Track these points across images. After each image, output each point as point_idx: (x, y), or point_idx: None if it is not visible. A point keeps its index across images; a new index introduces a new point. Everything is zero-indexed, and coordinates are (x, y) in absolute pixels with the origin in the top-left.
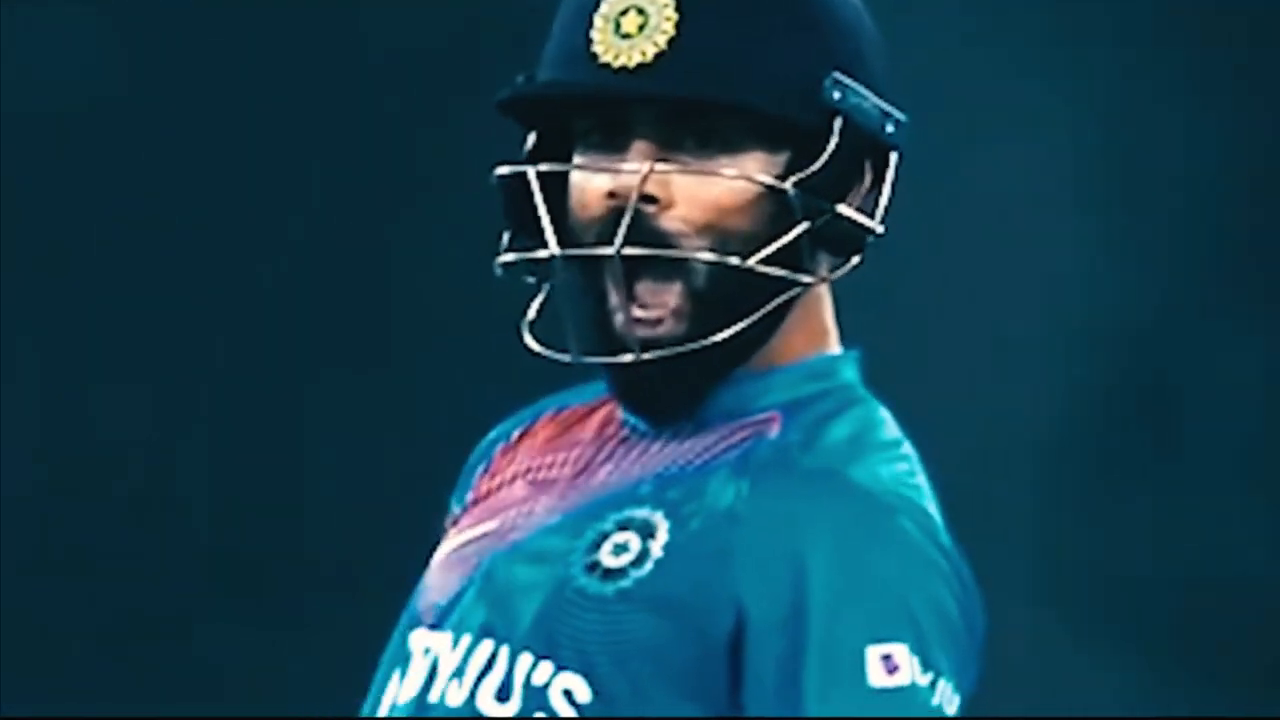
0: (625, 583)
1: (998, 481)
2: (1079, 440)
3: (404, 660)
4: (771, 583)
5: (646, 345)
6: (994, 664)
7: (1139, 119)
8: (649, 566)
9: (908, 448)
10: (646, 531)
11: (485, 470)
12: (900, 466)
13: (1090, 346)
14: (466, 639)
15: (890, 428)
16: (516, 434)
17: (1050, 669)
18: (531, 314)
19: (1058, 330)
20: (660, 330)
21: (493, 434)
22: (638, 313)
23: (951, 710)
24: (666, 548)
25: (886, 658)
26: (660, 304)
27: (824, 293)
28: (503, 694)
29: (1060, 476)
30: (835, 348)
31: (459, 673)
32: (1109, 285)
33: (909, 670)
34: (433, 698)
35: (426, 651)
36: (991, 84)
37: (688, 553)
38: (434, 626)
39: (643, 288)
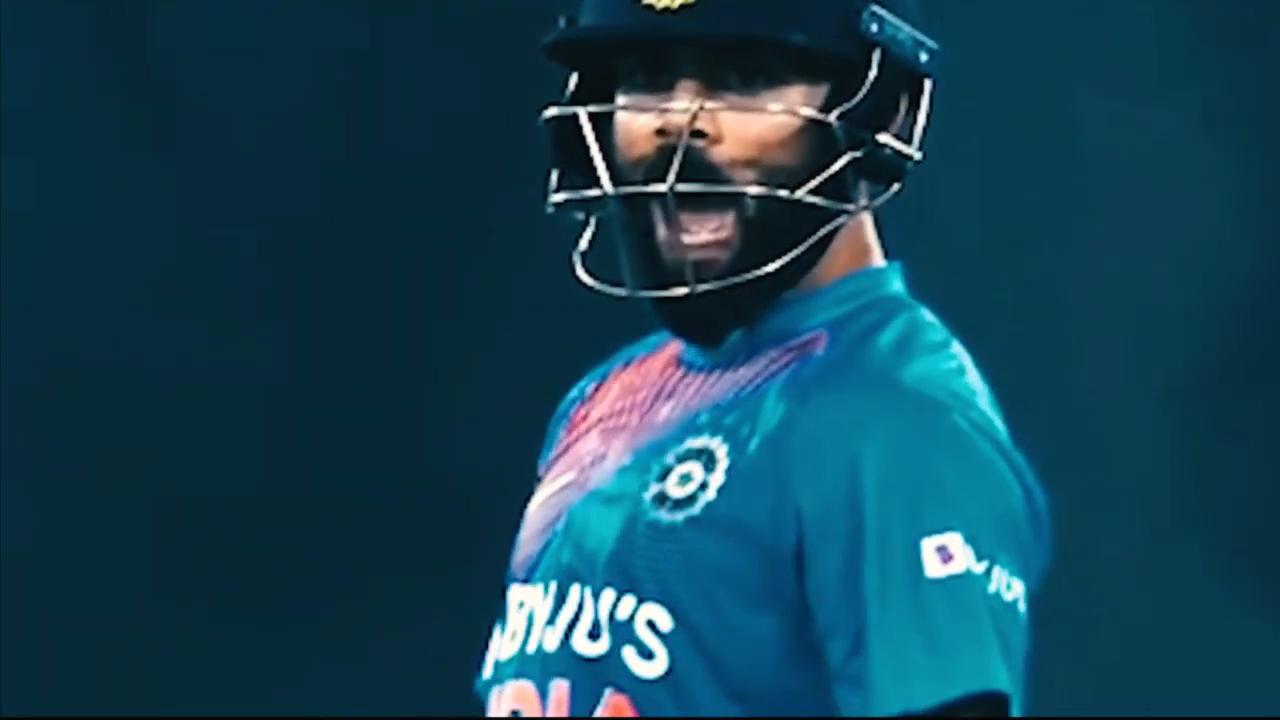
0: (694, 510)
1: (1130, 427)
2: (1205, 391)
3: (503, 617)
4: (827, 489)
5: (700, 276)
6: (1142, 615)
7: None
8: (713, 492)
9: (957, 348)
10: (708, 459)
11: (565, 427)
12: (949, 365)
13: (1220, 304)
14: (554, 586)
15: (937, 330)
16: (591, 388)
17: (1197, 618)
18: (583, 248)
19: (1189, 288)
20: (711, 257)
21: (572, 392)
22: (688, 239)
23: (1011, 596)
24: (728, 471)
25: (941, 548)
26: (711, 234)
27: (865, 215)
28: (594, 633)
29: (1187, 425)
30: (878, 264)
31: (552, 620)
32: (1238, 248)
33: (964, 558)
34: (530, 648)
35: (521, 605)
36: (1125, 47)
37: (748, 473)
38: (526, 580)
39: (693, 221)
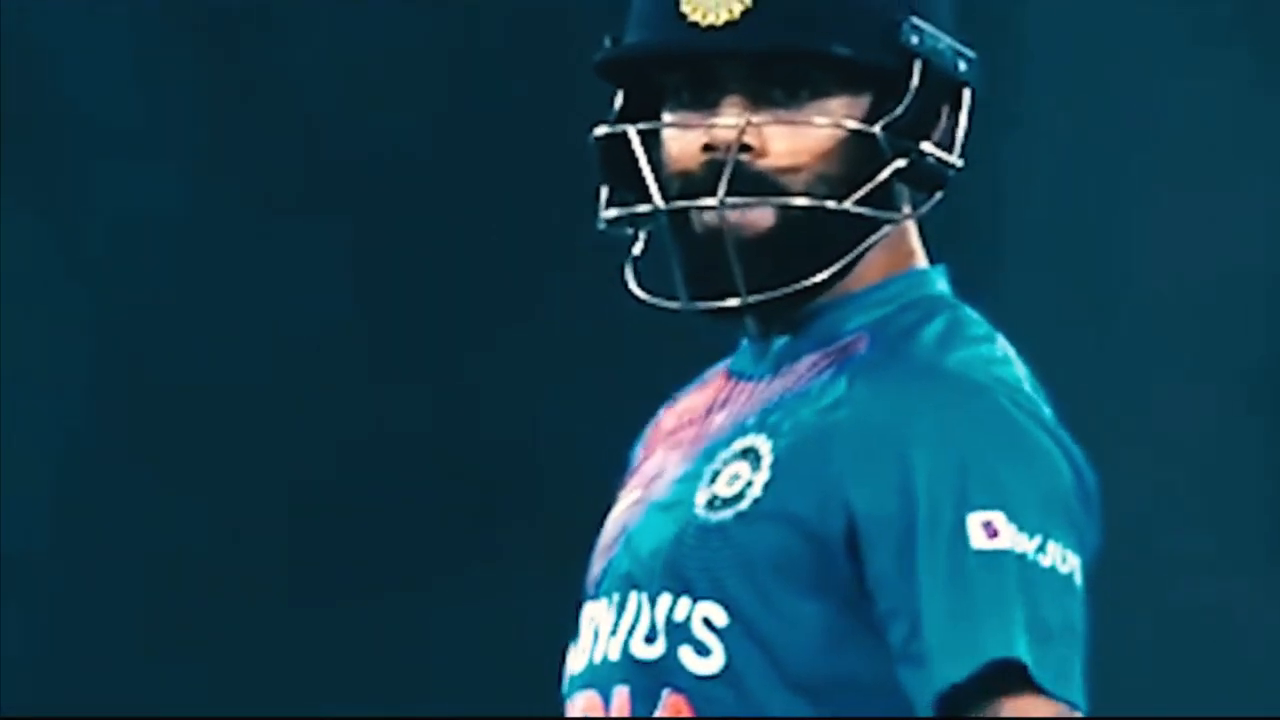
0: (742, 506)
1: (1217, 428)
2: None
3: (576, 635)
4: (877, 479)
5: (746, 269)
6: (1237, 619)
7: None
8: (760, 487)
9: (1001, 341)
10: (754, 457)
11: (641, 449)
12: (993, 353)
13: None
14: (616, 597)
15: (980, 325)
16: (664, 411)
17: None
18: (635, 257)
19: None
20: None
21: (655, 417)
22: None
23: (1067, 569)
24: (772, 466)
25: (987, 524)
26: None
27: (908, 222)
28: (650, 636)
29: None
30: (921, 266)
31: (614, 630)
32: None
33: (1008, 535)
34: (596, 659)
35: (590, 621)
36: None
37: (793, 466)
38: (594, 596)
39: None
